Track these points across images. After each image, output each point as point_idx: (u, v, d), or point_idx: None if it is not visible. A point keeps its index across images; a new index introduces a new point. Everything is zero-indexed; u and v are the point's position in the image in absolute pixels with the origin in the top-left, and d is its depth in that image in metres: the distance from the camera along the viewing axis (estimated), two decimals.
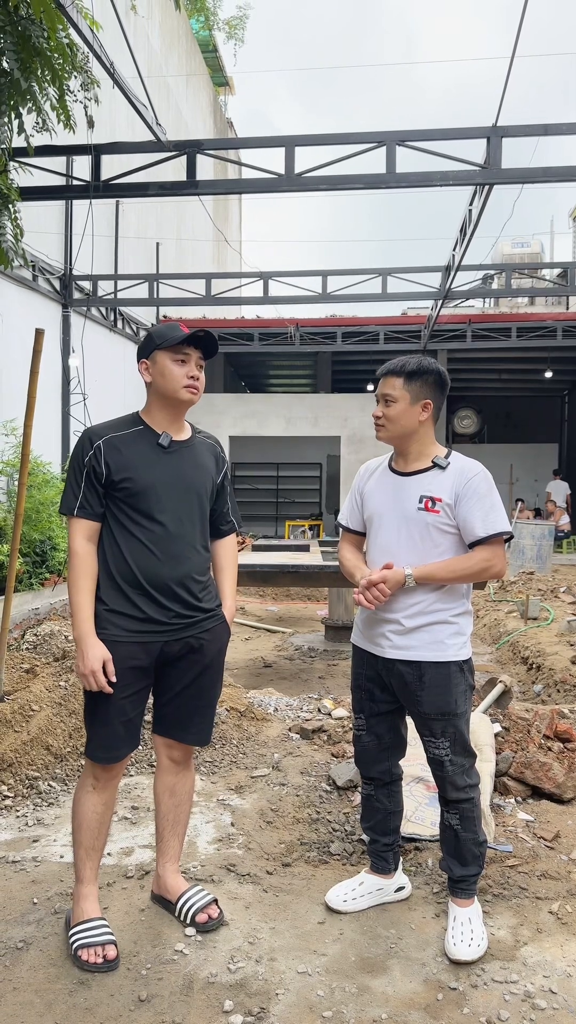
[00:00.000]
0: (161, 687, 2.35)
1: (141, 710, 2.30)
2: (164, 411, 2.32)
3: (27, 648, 5.43)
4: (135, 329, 13.48)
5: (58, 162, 8.02)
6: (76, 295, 10.78)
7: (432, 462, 2.35)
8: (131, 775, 3.46)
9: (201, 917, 2.34)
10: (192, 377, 2.28)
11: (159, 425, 2.31)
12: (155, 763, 2.48)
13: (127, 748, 2.28)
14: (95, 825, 2.27)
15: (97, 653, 2.15)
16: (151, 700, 2.41)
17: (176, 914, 2.38)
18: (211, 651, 2.35)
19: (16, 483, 6.45)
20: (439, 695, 2.29)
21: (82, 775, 2.32)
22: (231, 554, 2.57)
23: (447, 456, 2.36)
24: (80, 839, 2.28)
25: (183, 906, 2.37)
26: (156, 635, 2.25)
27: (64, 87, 4.85)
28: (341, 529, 2.61)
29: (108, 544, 2.24)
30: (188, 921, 2.35)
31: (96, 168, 6.67)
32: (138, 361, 2.34)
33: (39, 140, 5.41)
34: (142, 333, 13.56)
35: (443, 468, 2.32)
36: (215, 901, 2.41)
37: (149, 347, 2.31)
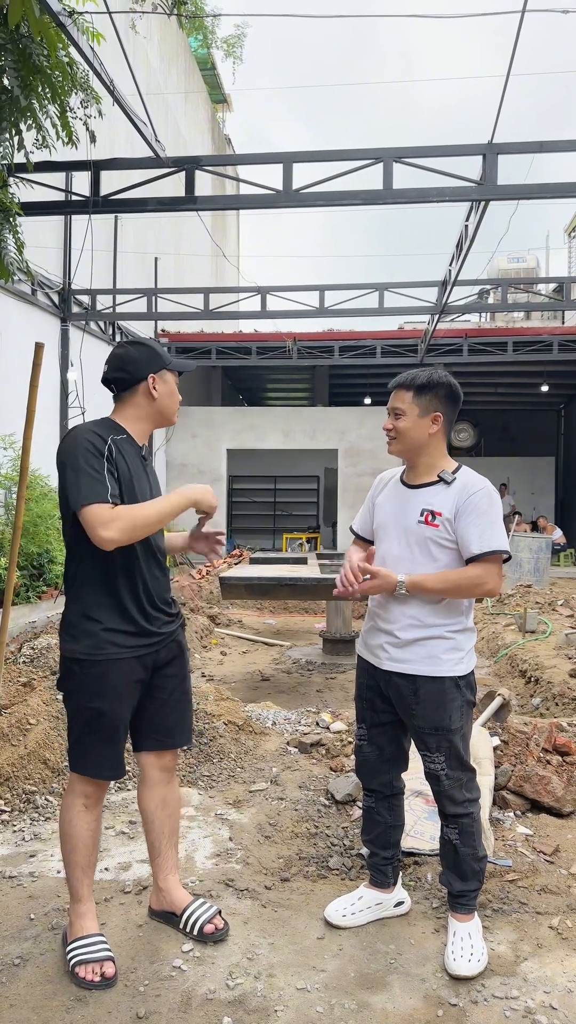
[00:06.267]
0: (151, 698, 2.32)
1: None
2: (149, 427, 2.33)
3: (24, 661, 5.42)
4: None
5: (57, 178, 8.07)
6: (75, 309, 10.82)
7: (438, 476, 2.35)
8: (129, 789, 3.44)
9: (209, 928, 2.34)
10: (179, 402, 2.38)
11: (138, 439, 2.29)
12: (140, 781, 2.43)
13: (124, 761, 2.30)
14: (90, 843, 2.26)
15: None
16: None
17: (181, 926, 2.37)
18: (185, 650, 2.42)
19: (15, 496, 6.44)
20: (433, 710, 2.29)
21: (68, 796, 2.27)
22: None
23: (455, 471, 2.36)
24: (75, 859, 2.25)
25: (189, 917, 2.36)
26: (150, 647, 2.26)
27: (65, 104, 4.89)
28: (353, 534, 2.63)
29: (102, 559, 2.16)
30: (195, 933, 2.33)
31: (95, 184, 6.71)
32: (142, 374, 2.26)
33: (38, 156, 5.46)
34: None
35: (448, 483, 2.33)
36: (219, 912, 2.40)
37: (159, 363, 2.28)
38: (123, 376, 2.27)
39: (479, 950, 2.26)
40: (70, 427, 10.81)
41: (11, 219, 4.98)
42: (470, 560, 2.27)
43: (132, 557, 2.22)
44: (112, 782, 3.46)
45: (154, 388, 2.27)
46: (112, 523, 2.06)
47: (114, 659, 2.18)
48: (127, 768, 3.52)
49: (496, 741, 3.48)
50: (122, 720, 2.24)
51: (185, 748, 3.76)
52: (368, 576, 2.32)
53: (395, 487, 2.46)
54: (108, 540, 2.06)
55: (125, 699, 2.22)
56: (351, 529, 2.64)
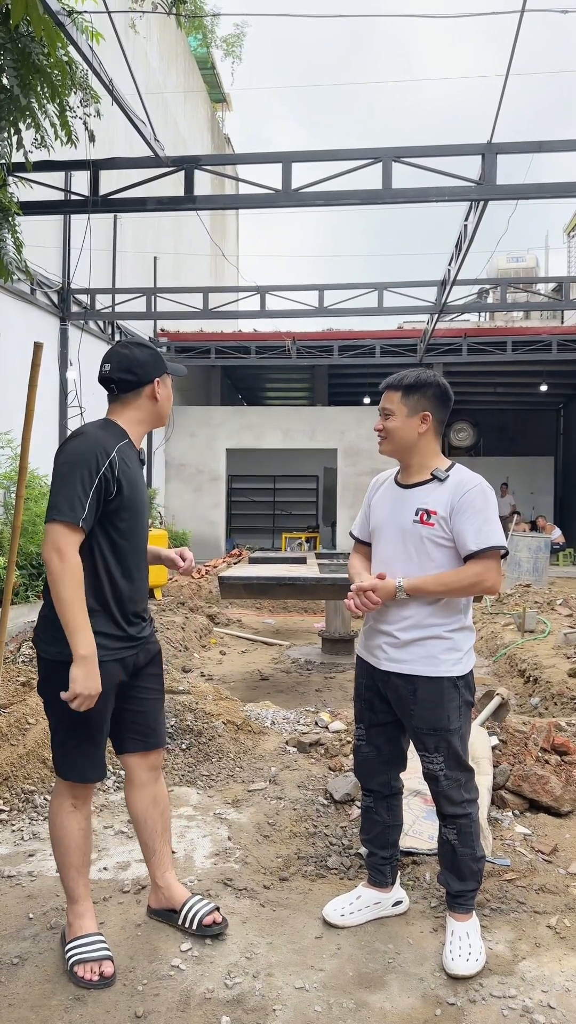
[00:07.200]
0: (133, 699, 2.33)
1: None
2: (146, 429, 2.35)
3: (23, 661, 5.41)
4: None
5: (56, 177, 8.07)
6: (74, 308, 10.81)
7: (431, 475, 2.36)
8: None
9: (208, 920, 2.34)
10: None
11: (136, 441, 2.31)
12: (127, 783, 2.43)
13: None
14: (82, 843, 2.26)
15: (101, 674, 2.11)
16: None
17: (180, 921, 2.38)
18: (160, 649, 2.44)
19: (13, 496, 6.44)
20: (431, 710, 2.29)
21: (56, 799, 2.27)
22: None
23: (448, 469, 2.37)
24: (69, 861, 2.25)
25: (188, 912, 2.37)
26: (131, 650, 2.27)
27: (64, 103, 4.90)
28: (353, 539, 2.63)
29: (97, 564, 2.16)
30: (194, 927, 2.34)
31: (94, 183, 6.71)
32: (149, 377, 2.28)
33: (37, 155, 5.45)
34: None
35: (442, 481, 2.33)
36: (217, 909, 2.41)
37: (162, 367, 2.31)
38: (130, 378, 2.26)
39: (477, 949, 2.26)
40: (69, 426, 10.83)
41: (10, 218, 4.98)
42: (468, 558, 2.27)
43: (132, 568, 2.23)
44: (112, 782, 3.47)
45: (158, 392, 2.30)
46: (62, 555, 2.03)
47: (101, 661, 2.15)
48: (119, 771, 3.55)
49: (494, 740, 3.48)
50: (105, 722, 2.24)
51: (185, 749, 3.77)
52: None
53: (390, 488, 2.46)
54: (47, 560, 2.05)
55: (108, 701, 2.21)
56: (351, 534, 2.64)
